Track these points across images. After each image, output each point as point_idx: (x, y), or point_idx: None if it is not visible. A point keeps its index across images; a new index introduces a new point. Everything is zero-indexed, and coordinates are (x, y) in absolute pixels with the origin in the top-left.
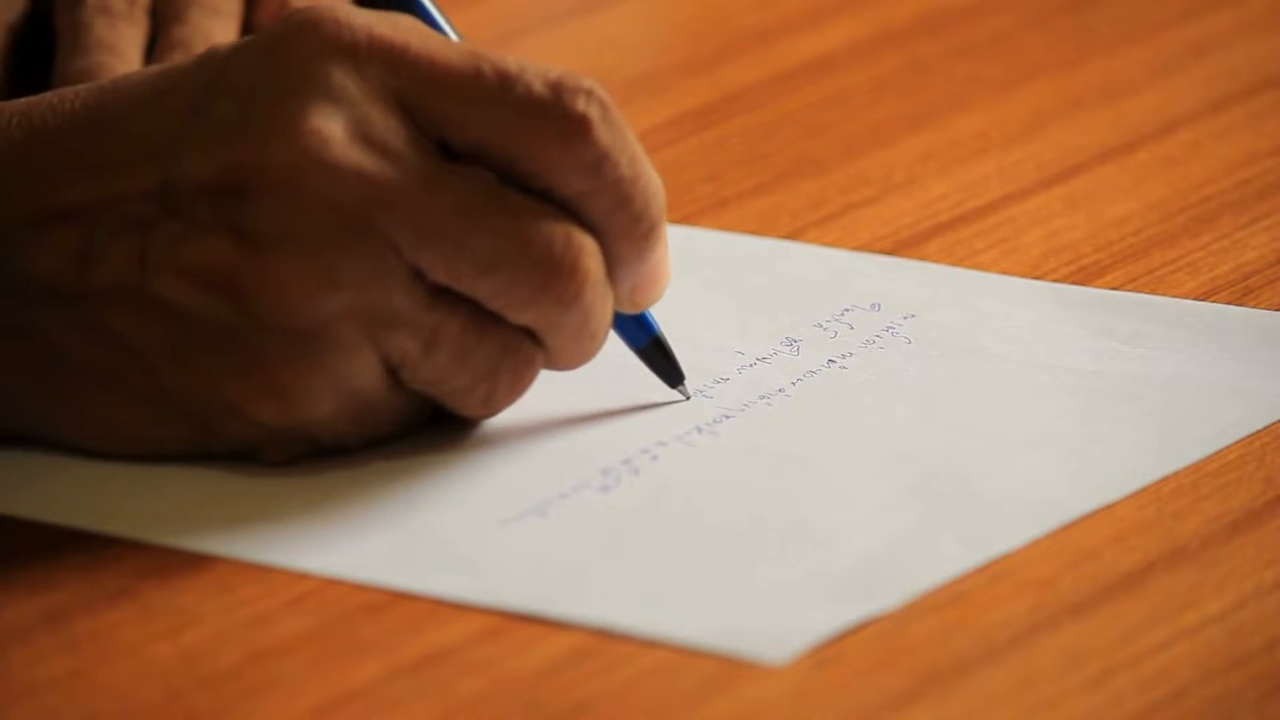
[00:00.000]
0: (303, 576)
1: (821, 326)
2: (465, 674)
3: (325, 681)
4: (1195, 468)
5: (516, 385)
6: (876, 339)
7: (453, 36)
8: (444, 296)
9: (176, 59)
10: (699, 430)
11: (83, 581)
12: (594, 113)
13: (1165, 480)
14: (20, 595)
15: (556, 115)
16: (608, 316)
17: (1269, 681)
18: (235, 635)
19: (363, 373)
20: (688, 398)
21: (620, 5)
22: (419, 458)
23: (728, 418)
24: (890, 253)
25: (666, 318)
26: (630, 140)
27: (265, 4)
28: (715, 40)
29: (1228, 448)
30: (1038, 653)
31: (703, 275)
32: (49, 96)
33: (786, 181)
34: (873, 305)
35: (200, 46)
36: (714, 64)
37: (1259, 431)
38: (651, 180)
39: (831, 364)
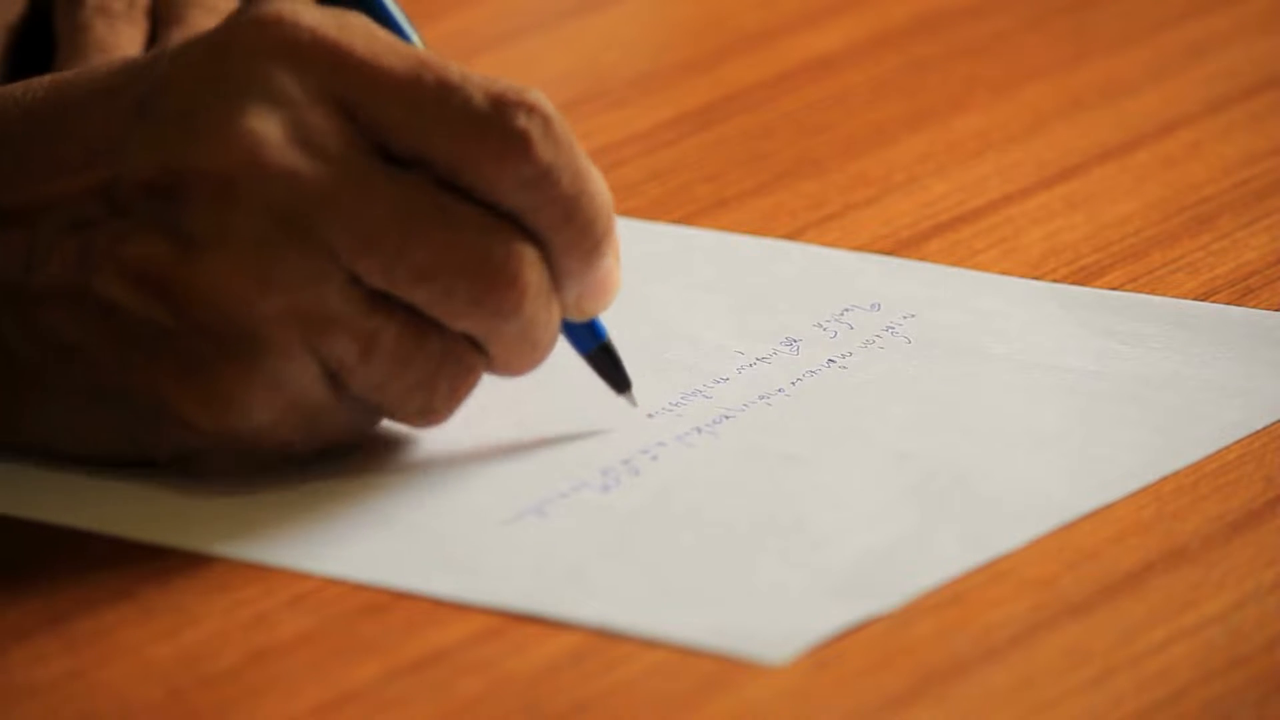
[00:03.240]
0: (303, 576)
1: (821, 326)
2: (465, 674)
3: (325, 681)
4: (1195, 468)
5: (455, 394)
6: (876, 339)
7: (412, 36)
8: (382, 301)
9: None
10: (699, 430)
11: (83, 581)
12: (535, 129)
13: (1165, 480)
14: (20, 595)
15: (495, 131)
16: (552, 325)
17: (1269, 681)
18: (235, 635)
19: (300, 378)
20: (635, 405)
21: (620, 5)
22: (419, 459)
23: (727, 418)
24: (890, 253)
25: (667, 318)
26: (574, 155)
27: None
28: (715, 40)
29: (1228, 448)
30: (1037, 653)
31: (702, 275)
32: (16, 88)
33: (786, 181)
34: (873, 305)
35: None
36: (714, 64)
37: (1259, 431)
38: (598, 194)
39: (831, 364)
